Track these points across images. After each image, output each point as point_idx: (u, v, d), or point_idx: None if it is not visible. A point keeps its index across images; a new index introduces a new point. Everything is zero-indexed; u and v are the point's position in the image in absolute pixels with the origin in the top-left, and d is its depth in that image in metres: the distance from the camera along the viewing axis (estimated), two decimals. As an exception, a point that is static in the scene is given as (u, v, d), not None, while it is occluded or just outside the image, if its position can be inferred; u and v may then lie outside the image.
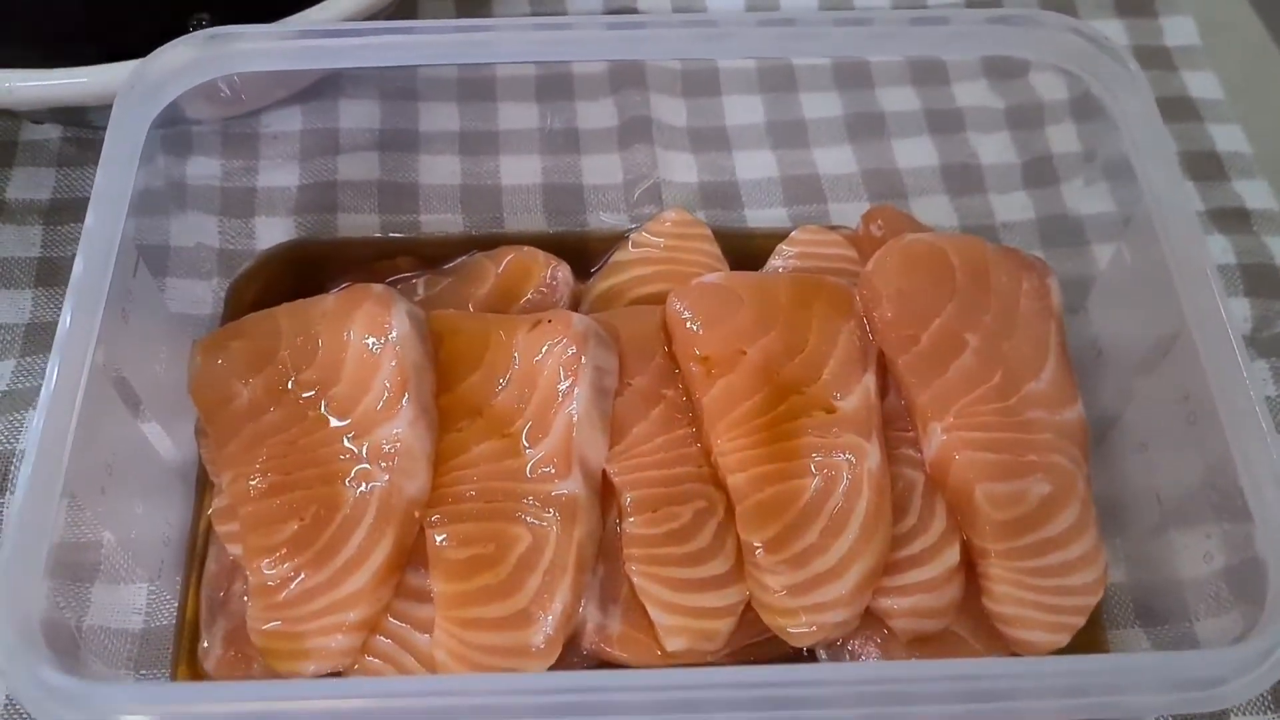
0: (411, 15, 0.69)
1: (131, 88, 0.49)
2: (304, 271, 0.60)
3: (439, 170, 0.65)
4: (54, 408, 0.42)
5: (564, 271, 0.56)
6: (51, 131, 0.65)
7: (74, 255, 0.45)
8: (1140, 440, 0.51)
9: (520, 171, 0.65)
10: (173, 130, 0.54)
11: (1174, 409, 0.47)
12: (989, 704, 0.39)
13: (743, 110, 0.68)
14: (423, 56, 0.52)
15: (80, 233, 0.45)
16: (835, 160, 0.66)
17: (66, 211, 0.62)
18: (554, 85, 0.68)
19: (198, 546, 0.52)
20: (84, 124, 0.64)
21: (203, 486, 0.52)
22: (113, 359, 0.46)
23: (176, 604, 0.51)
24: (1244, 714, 0.50)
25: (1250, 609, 0.40)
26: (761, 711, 0.38)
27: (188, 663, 0.49)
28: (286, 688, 0.43)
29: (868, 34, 0.53)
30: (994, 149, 0.65)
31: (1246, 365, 0.43)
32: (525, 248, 0.57)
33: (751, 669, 0.39)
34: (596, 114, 0.67)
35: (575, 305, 0.56)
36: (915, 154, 0.66)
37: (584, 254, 0.59)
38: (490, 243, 0.59)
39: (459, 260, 0.58)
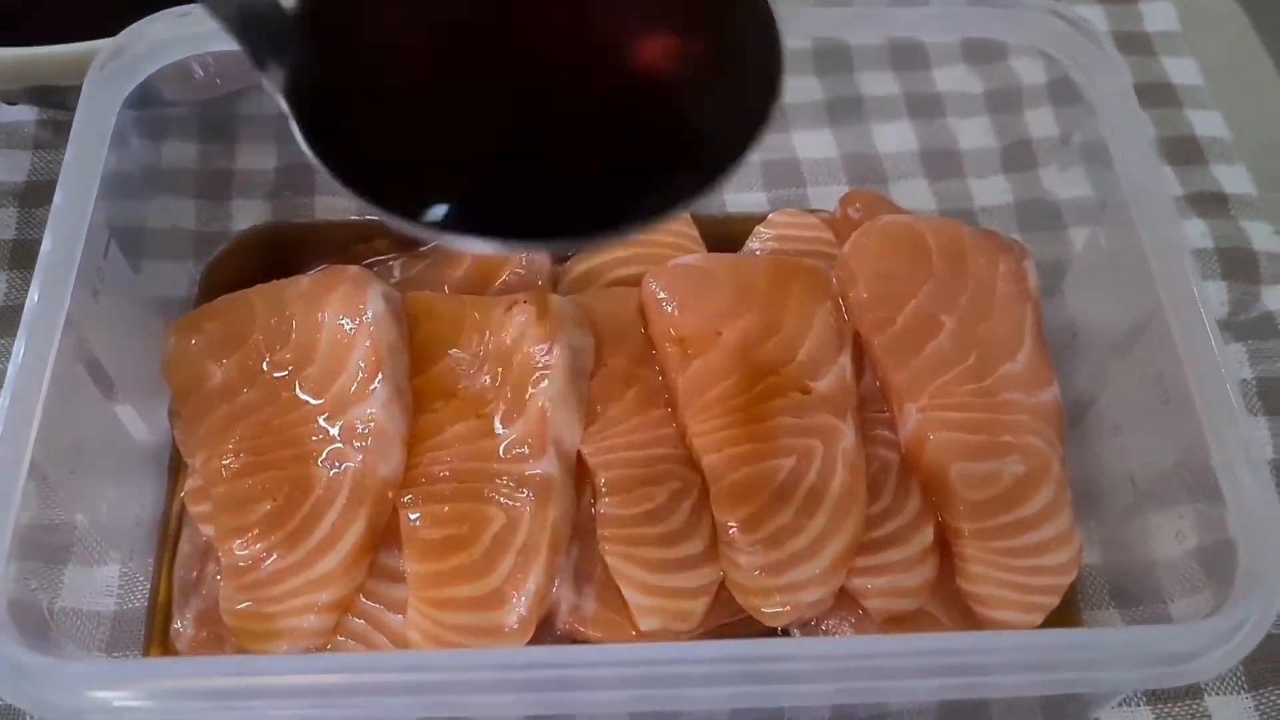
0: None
1: (102, 64, 0.48)
2: (279, 254, 0.60)
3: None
4: (19, 386, 0.42)
5: (540, 253, 0.56)
6: (27, 114, 0.65)
7: (50, 237, 0.45)
8: (1115, 422, 0.51)
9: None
10: (148, 112, 0.53)
11: (1148, 391, 0.47)
12: (962, 679, 0.39)
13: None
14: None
15: (55, 215, 0.45)
16: (814, 144, 0.66)
17: (41, 194, 0.62)
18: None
19: (170, 528, 0.51)
20: (60, 106, 0.64)
21: (175, 468, 0.52)
22: (84, 340, 0.46)
23: (148, 586, 0.51)
24: (1218, 694, 0.50)
25: (1221, 587, 0.40)
26: (735, 686, 0.38)
27: (160, 644, 0.49)
28: (258, 663, 0.42)
29: (848, 15, 0.53)
30: (973, 133, 0.65)
31: (1220, 348, 0.44)
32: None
33: (725, 643, 0.39)
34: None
35: (553, 287, 0.56)
36: (894, 138, 0.66)
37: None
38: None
39: (435, 242, 0.58)
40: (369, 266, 0.54)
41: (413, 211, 0.35)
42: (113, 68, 0.49)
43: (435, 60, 0.38)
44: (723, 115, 0.36)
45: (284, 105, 0.36)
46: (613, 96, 0.37)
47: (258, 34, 0.36)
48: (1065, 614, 0.50)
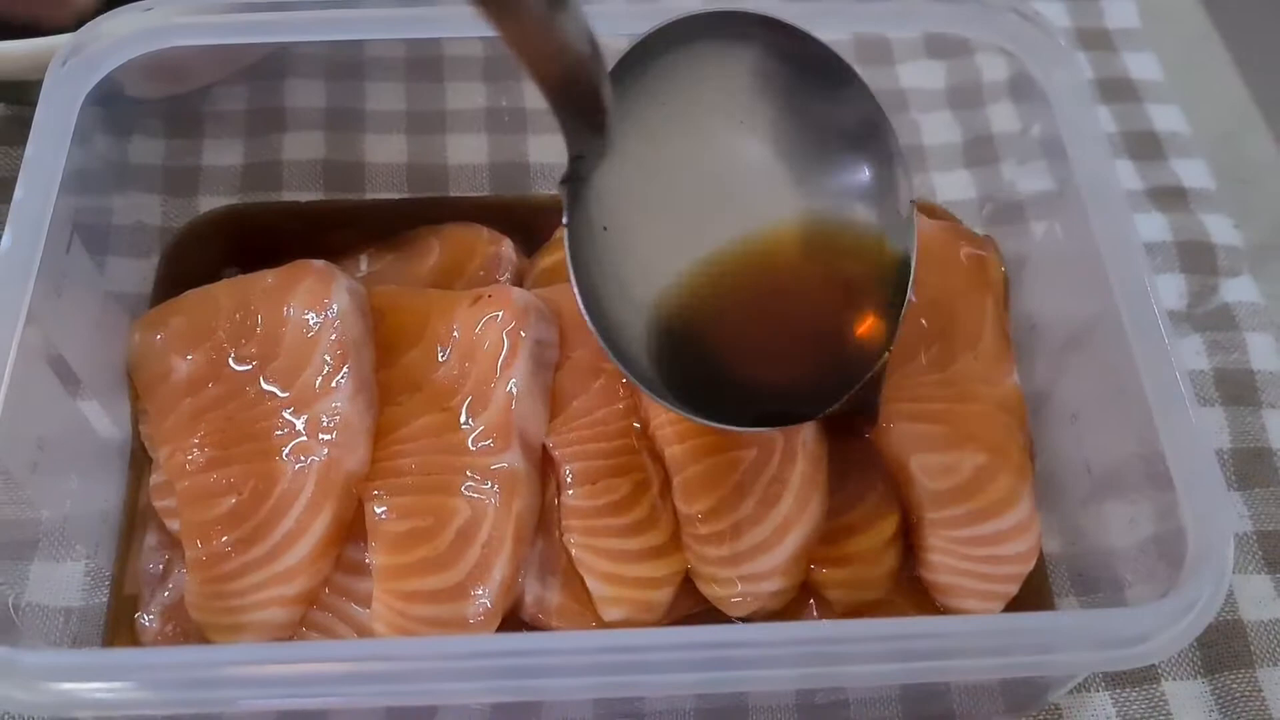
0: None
1: (64, 60, 0.48)
2: (240, 237, 0.60)
3: (386, 149, 0.65)
4: (-21, 381, 0.42)
5: (507, 248, 0.56)
6: (-8, 110, 0.65)
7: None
8: (1072, 412, 0.52)
9: (467, 150, 0.65)
10: (113, 109, 0.53)
11: (1103, 382, 0.48)
12: (919, 663, 0.39)
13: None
14: (368, 32, 0.52)
15: (17, 211, 0.45)
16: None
17: (5, 190, 0.61)
18: (502, 65, 0.68)
19: (133, 523, 0.51)
20: (25, 102, 0.63)
21: (137, 463, 0.52)
22: (47, 336, 0.46)
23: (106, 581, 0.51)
24: (1174, 679, 0.51)
25: (1173, 571, 0.41)
26: (698, 673, 0.39)
27: (120, 639, 0.49)
28: (223, 653, 0.43)
29: (811, 11, 0.53)
30: (936, 128, 0.66)
31: (1171, 341, 0.44)
32: (470, 224, 0.57)
33: (687, 629, 0.40)
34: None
35: (520, 281, 0.56)
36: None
37: (531, 229, 0.59)
38: (438, 207, 0.60)
39: (403, 235, 0.58)
40: (335, 259, 0.54)
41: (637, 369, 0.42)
42: (74, 63, 0.49)
43: (697, 256, 0.45)
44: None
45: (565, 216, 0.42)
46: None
47: (577, 128, 0.41)
48: (1039, 603, 0.51)
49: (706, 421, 0.42)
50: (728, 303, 0.45)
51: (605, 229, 0.43)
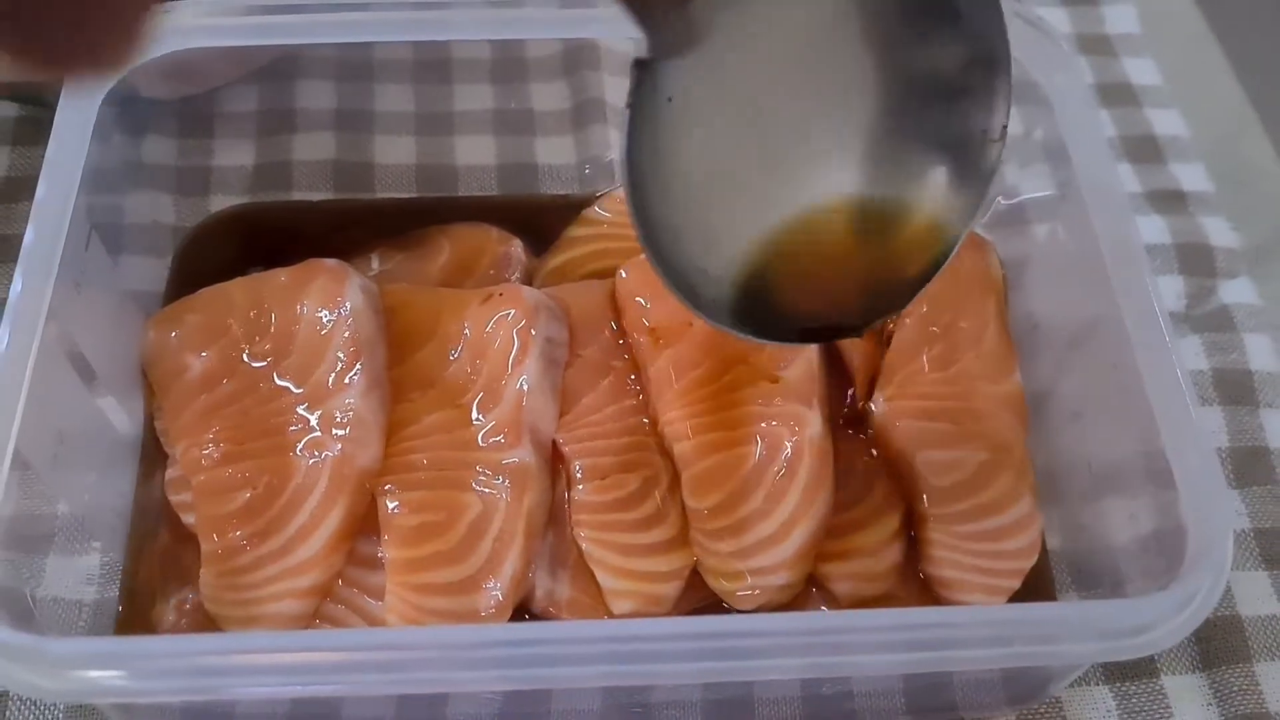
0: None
1: (84, 61, 0.49)
2: (253, 235, 0.60)
3: (395, 150, 0.66)
4: (3, 377, 0.42)
5: (517, 247, 0.57)
6: (7, 110, 0.65)
7: (28, 231, 0.45)
8: (1074, 410, 0.52)
9: (476, 151, 0.66)
10: (128, 108, 0.54)
11: (1105, 381, 0.48)
12: (924, 653, 0.40)
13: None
14: (377, 34, 0.53)
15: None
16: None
17: (21, 190, 0.62)
18: (509, 67, 0.69)
19: (142, 517, 0.52)
20: (40, 103, 0.64)
21: (148, 457, 0.53)
22: (66, 331, 0.47)
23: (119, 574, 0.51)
24: (1173, 674, 0.52)
25: (1173, 565, 0.42)
26: (705, 661, 0.40)
27: (133, 633, 0.50)
28: (241, 640, 0.43)
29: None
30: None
31: (1173, 341, 0.45)
32: (479, 224, 0.58)
33: (695, 619, 0.41)
34: (550, 95, 0.68)
35: (529, 280, 0.57)
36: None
37: (539, 229, 0.60)
38: (447, 207, 0.60)
39: (413, 234, 0.59)
40: (347, 258, 0.55)
41: (679, 281, 0.40)
42: (94, 64, 0.49)
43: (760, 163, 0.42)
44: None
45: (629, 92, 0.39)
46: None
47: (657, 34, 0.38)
48: (1041, 597, 0.51)
49: (743, 334, 0.41)
50: (788, 216, 0.43)
51: (670, 100, 0.40)
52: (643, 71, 0.39)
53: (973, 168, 0.42)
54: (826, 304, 0.43)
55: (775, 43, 0.42)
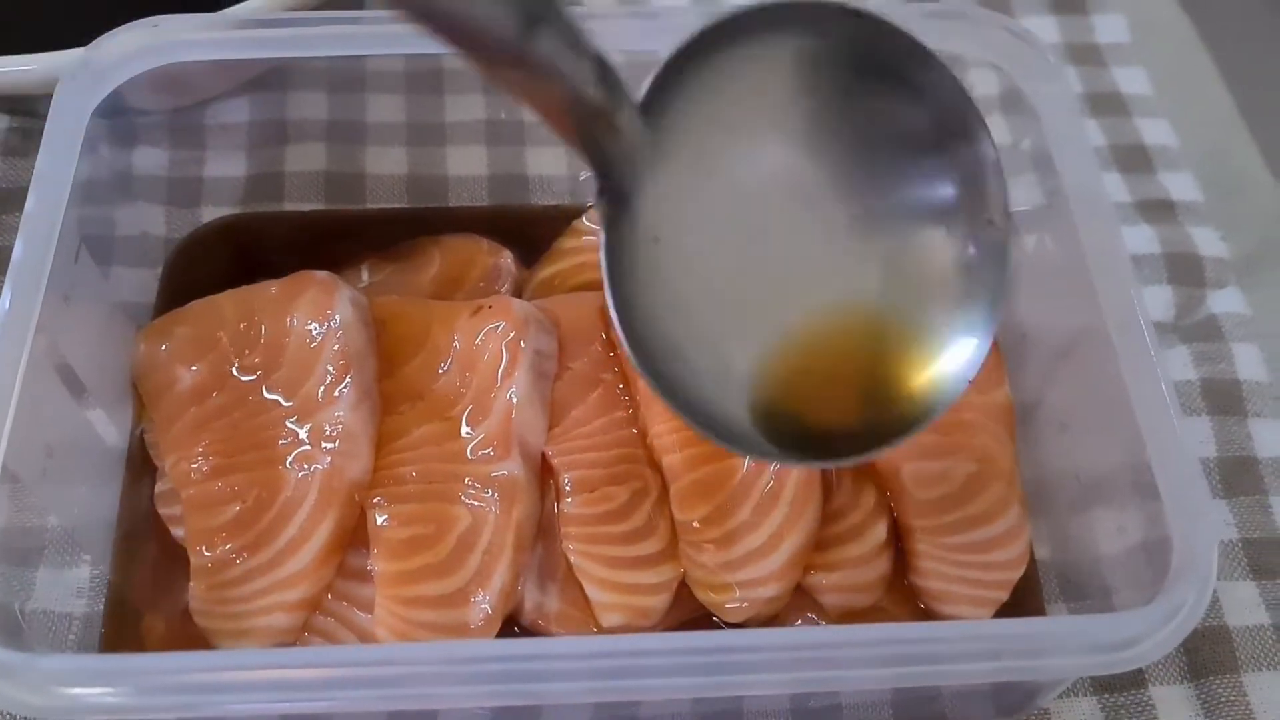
0: (358, 5, 0.70)
1: (74, 74, 0.49)
2: (243, 246, 0.60)
3: (386, 161, 0.66)
4: (-8, 387, 0.43)
5: (507, 259, 0.57)
6: (-3, 121, 0.65)
7: (18, 242, 0.45)
8: (1061, 422, 0.53)
9: (467, 162, 0.66)
10: (118, 120, 0.54)
11: (1091, 393, 0.49)
12: (912, 667, 0.40)
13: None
14: (368, 47, 0.53)
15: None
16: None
17: (11, 201, 0.63)
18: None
19: (130, 530, 0.52)
20: (30, 114, 0.64)
21: (134, 470, 0.53)
22: (56, 344, 0.47)
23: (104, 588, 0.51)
24: (1161, 684, 0.52)
25: (1159, 578, 0.42)
26: (695, 676, 0.40)
27: (120, 647, 0.50)
28: (231, 657, 0.43)
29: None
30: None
31: (1158, 352, 0.45)
32: (470, 235, 0.58)
33: (685, 634, 0.41)
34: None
35: (518, 292, 0.57)
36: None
37: (530, 240, 0.60)
38: (438, 218, 0.60)
39: (403, 246, 0.59)
40: (336, 270, 0.55)
41: (670, 391, 0.39)
42: (83, 77, 0.49)
43: (735, 277, 0.42)
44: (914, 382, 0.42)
45: (601, 233, 0.39)
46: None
47: (606, 166, 0.38)
48: (1031, 609, 0.51)
49: (746, 453, 0.42)
50: (792, 333, 0.42)
51: (657, 240, 0.40)
52: (615, 210, 0.38)
53: (984, 260, 0.42)
54: (845, 419, 0.42)
55: (754, 162, 0.41)
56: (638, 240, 0.39)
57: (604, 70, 0.35)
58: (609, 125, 0.37)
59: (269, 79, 0.66)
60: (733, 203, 0.41)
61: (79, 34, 0.51)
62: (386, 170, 0.65)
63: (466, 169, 0.66)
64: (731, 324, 0.42)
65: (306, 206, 0.64)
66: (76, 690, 0.39)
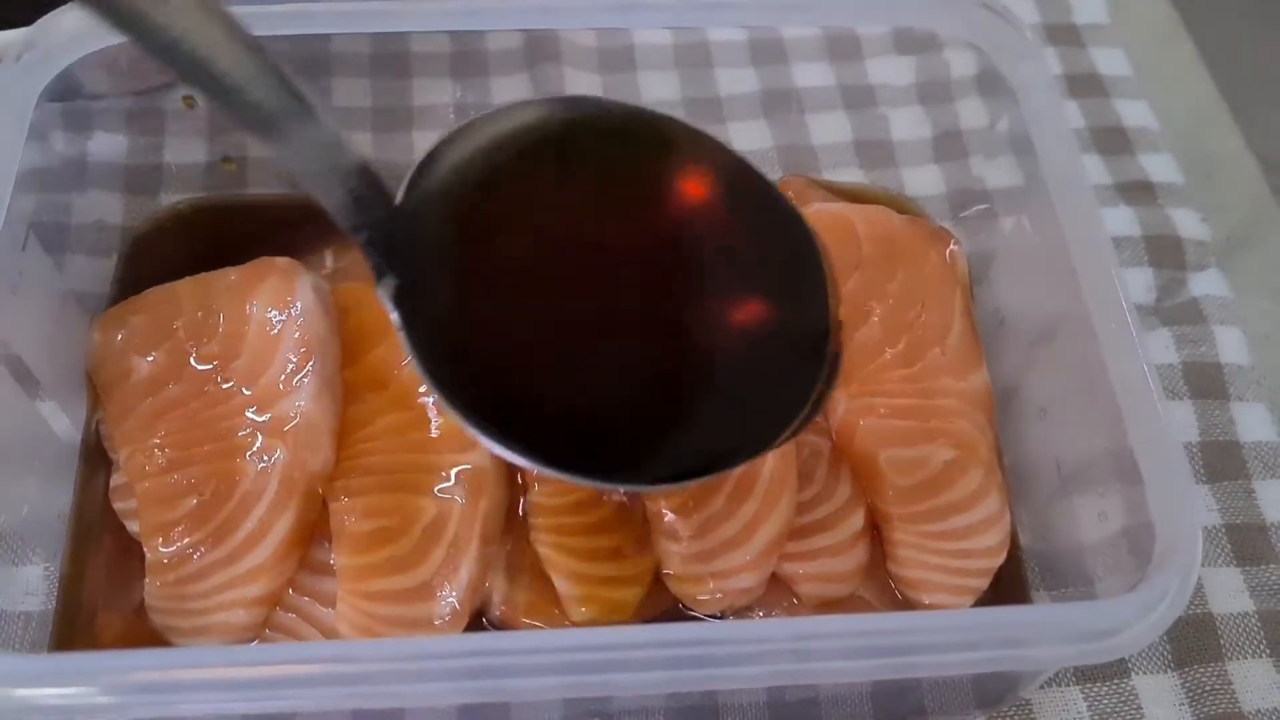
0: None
1: (17, 55, 0.48)
2: (204, 232, 0.59)
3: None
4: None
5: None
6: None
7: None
8: (1040, 406, 0.52)
9: (433, 147, 0.65)
10: (71, 105, 0.53)
11: (1071, 377, 0.48)
12: (890, 659, 0.39)
13: (658, 85, 0.68)
14: (332, 26, 0.52)
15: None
16: (749, 135, 0.66)
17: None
18: (469, 61, 0.67)
19: (84, 526, 0.50)
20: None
21: (90, 464, 0.51)
22: (3, 336, 0.46)
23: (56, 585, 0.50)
24: (1145, 673, 0.51)
25: (1141, 565, 0.41)
26: (668, 670, 0.38)
27: (73, 644, 0.48)
28: (186, 655, 0.42)
29: (781, 4, 0.54)
30: (904, 123, 0.66)
31: (1139, 335, 0.44)
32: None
33: (657, 627, 0.39)
34: (511, 89, 0.66)
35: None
36: (829, 129, 0.66)
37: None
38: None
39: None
40: (300, 255, 0.54)
41: (504, 435, 0.38)
42: (29, 58, 0.48)
43: (535, 297, 0.41)
44: (772, 391, 0.41)
45: (392, 315, 0.39)
46: (682, 359, 0.42)
47: (376, 244, 0.39)
48: (1015, 597, 0.50)
49: (597, 484, 0.40)
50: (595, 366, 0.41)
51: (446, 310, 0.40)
52: (400, 292, 0.39)
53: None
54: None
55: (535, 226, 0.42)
56: (437, 313, 0.40)
57: (350, 166, 0.38)
58: (366, 217, 0.39)
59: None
60: (514, 265, 0.42)
61: (26, 12, 0.49)
62: (352, 155, 0.64)
63: (433, 154, 0.64)
64: (546, 369, 0.41)
65: (270, 192, 0.62)
66: (25, 692, 0.37)
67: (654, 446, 0.40)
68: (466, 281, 0.41)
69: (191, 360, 0.49)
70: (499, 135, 0.42)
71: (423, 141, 0.65)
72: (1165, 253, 0.62)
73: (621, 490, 0.45)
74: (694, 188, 0.44)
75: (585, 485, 0.40)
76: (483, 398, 0.39)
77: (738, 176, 0.43)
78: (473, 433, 0.39)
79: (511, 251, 0.41)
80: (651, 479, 0.40)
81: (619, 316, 0.42)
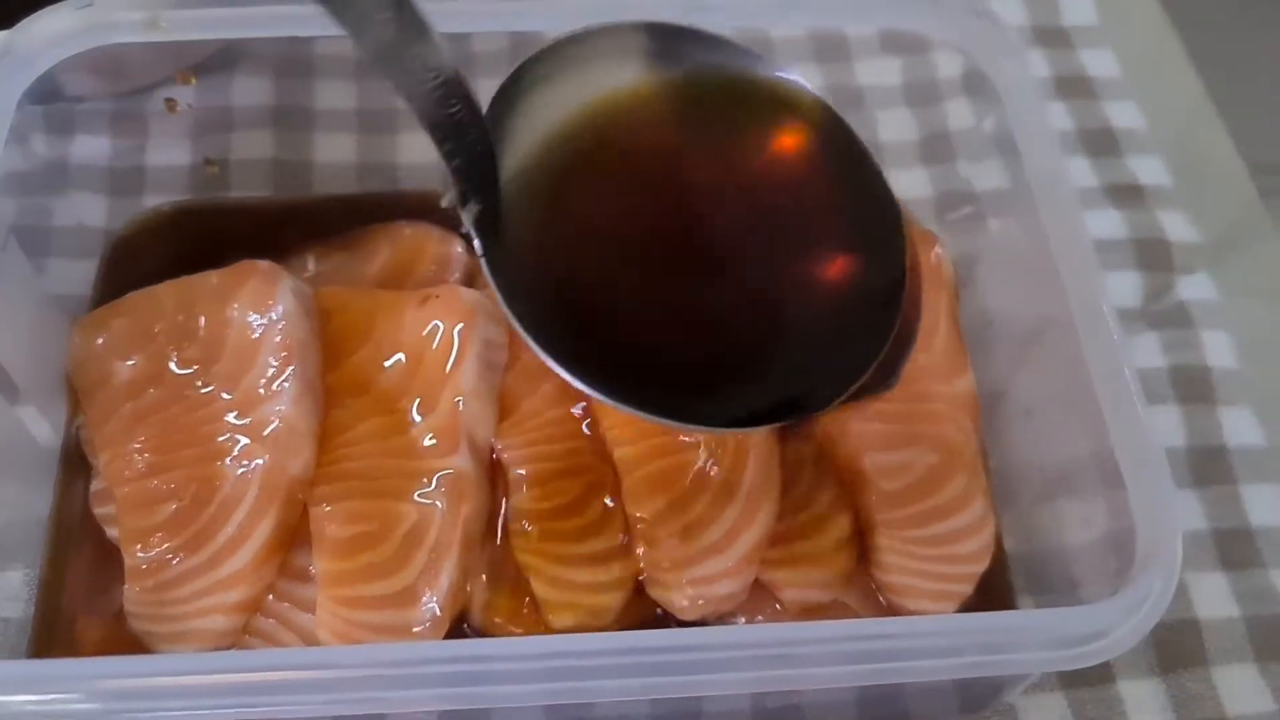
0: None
1: (-1, 57, 0.47)
2: (186, 236, 0.59)
3: (336, 148, 0.64)
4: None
5: (457, 247, 0.55)
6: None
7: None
8: (1026, 409, 0.51)
9: (419, 149, 0.64)
10: (52, 107, 0.52)
11: (1055, 381, 0.48)
12: (873, 665, 0.39)
13: (646, 87, 0.67)
14: (317, 28, 0.52)
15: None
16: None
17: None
18: (454, 62, 0.67)
19: (63, 531, 0.50)
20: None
21: (70, 469, 0.51)
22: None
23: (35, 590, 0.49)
24: (1129, 679, 0.51)
25: (1124, 569, 0.41)
26: (650, 677, 0.38)
27: (52, 650, 0.48)
28: (165, 662, 0.42)
29: (770, 5, 0.54)
30: (892, 125, 0.66)
31: (1120, 338, 0.44)
32: (420, 223, 0.56)
33: (639, 633, 0.39)
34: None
35: (470, 281, 0.55)
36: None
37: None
38: (388, 203, 0.59)
39: (352, 234, 0.57)
40: (282, 258, 0.53)
41: (576, 366, 0.39)
42: (7, 61, 0.47)
43: (619, 235, 0.42)
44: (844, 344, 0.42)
45: (476, 241, 0.40)
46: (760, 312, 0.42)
47: (468, 171, 0.39)
48: (1000, 602, 0.50)
49: (669, 422, 0.40)
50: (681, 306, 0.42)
51: (532, 238, 0.41)
52: (484, 220, 0.40)
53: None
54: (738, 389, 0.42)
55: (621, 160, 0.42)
56: (517, 243, 0.40)
57: (455, 89, 0.38)
58: (462, 142, 0.39)
59: (214, 63, 0.64)
60: (598, 199, 0.42)
61: (5, 14, 0.49)
62: (336, 158, 0.63)
63: (418, 156, 0.64)
64: (623, 304, 0.42)
65: (252, 195, 0.62)
66: (3, 698, 0.37)
67: (726, 389, 0.41)
68: (549, 215, 0.41)
69: (172, 364, 0.48)
70: (586, 63, 0.42)
71: (409, 144, 0.64)
72: (1153, 256, 0.62)
73: (692, 430, 0.45)
74: (784, 133, 0.44)
75: (656, 423, 0.40)
76: (560, 329, 0.40)
77: (827, 126, 0.44)
78: (549, 362, 0.39)
79: (595, 187, 0.42)
80: (725, 421, 0.40)
81: (701, 258, 0.43)
